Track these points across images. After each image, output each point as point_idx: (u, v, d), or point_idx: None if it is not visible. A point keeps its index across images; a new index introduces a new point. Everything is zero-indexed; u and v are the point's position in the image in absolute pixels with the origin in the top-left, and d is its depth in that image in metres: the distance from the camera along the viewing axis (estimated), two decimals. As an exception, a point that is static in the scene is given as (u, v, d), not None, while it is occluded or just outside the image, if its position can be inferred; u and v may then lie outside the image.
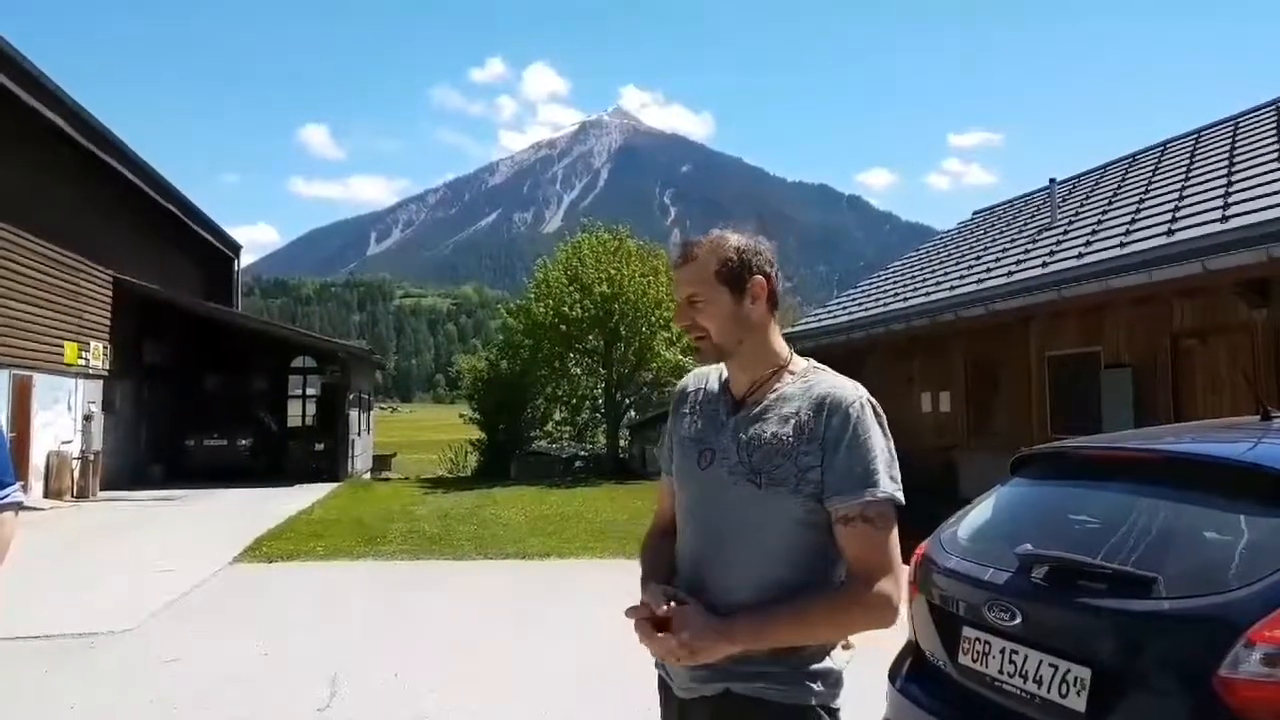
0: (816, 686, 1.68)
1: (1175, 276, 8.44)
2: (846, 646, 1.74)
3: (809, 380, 1.74)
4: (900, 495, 1.64)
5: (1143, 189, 12.26)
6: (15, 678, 5.16)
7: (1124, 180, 13.72)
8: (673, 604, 1.64)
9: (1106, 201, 12.85)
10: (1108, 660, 2.20)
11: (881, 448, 1.65)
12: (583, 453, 23.98)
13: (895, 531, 1.64)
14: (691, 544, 1.77)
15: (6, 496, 2.29)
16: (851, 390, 1.69)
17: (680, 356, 21.80)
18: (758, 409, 1.73)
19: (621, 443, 23.67)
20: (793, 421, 1.68)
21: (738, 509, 1.68)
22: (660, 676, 1.85)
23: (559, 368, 23.07)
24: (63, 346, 15.91)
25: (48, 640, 6.00)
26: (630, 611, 1.68)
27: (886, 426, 1.69)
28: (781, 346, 1.79)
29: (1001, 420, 11.86)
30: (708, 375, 1.90)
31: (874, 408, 1.69)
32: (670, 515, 1.92)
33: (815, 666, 1.68)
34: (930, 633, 2.82)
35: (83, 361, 16.66)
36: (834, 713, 1.71)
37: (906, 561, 3.16)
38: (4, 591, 6.99)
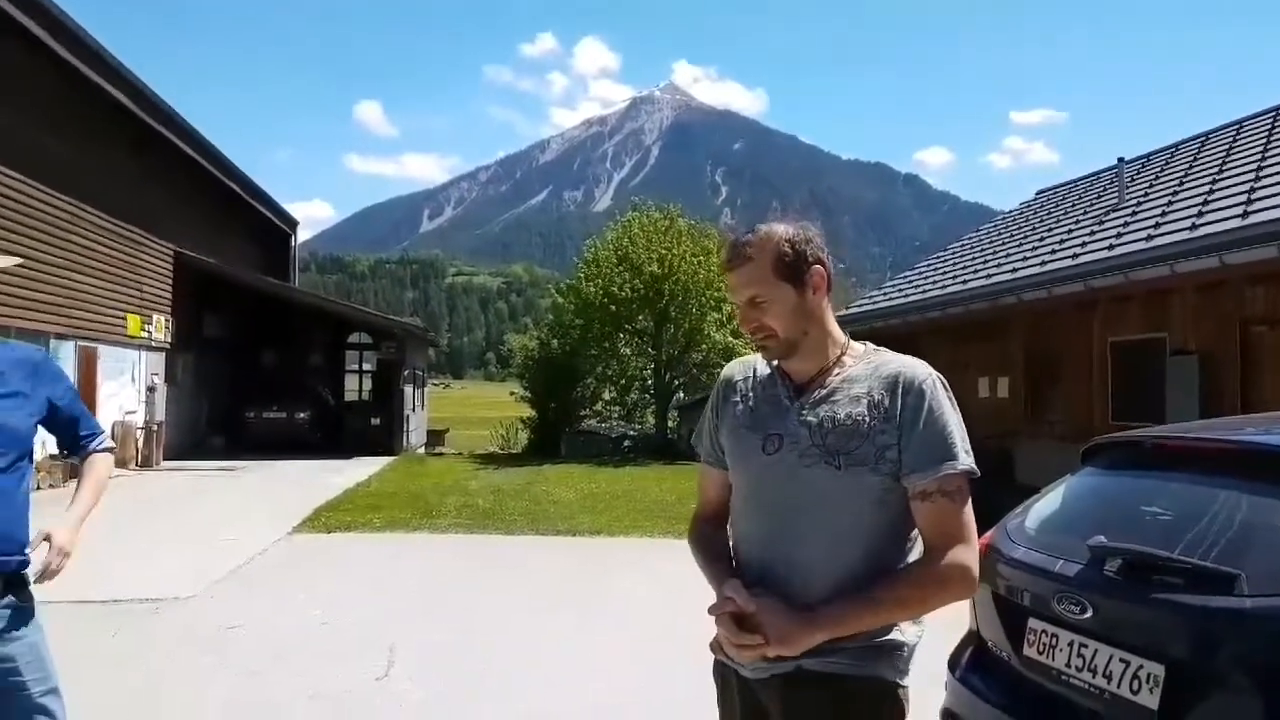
0: (888, 661, 1.69)
1: (1249, 260, 8.13)
2: (916, 621, 1.74)
3: (873, 361, 1.75)
4: (975, 467, 1.66)
5: (1216, 169, 11.82)
6: (86, 640, 5.34)
7: (1196, 160, 13.24)
8: (751, 600, 1.63)
9: (1177, 182, 12.41)
10: (1183, 658, 2.13)
11: (955, 422, 1.67)
12: (631, 432, 24.04)
13: (970, 503, 1.67)
14: (759, 530, 1.76)
15: (102, 441, 2.56)
16: (923, 368, 1.71)
17: (730, 339, 21.68)
18: (824, 392, 1.73)
19: (670, 423, 23.68)
20: (865, 401, 1.68)
21: (813, 492, 1.68)
22: (718, 660, 1.84)
23: (609, 348, 23.11)
24: (125, 319, 16.37)
25: (115, 604, 6.22)
26: (714, 609, 1.68)
27: (955, 402, 1.71)
28: (838, 330, 1.80)
29: (1061, 408, 11.59)
30: (754, 363, 1.90)
31: (944, 384, 1.71)
32: (716, 505, 1.93)
33: (887, 640, 1.68)
34: (994, 623, 2.77)
35: (145, 334, 17.13)
36: (904, 689, 1.71)
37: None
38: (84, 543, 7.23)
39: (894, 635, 1.70)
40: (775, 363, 1.84)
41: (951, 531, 1.64)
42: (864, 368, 1.74)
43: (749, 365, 1.91)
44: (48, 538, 2.19)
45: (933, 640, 3.27)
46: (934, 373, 1.72)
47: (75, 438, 2.51)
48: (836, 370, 1.76)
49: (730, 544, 1.86)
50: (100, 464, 2.54)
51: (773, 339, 1.74)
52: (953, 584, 1.63)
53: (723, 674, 1.87)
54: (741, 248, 1.74)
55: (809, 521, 1.68)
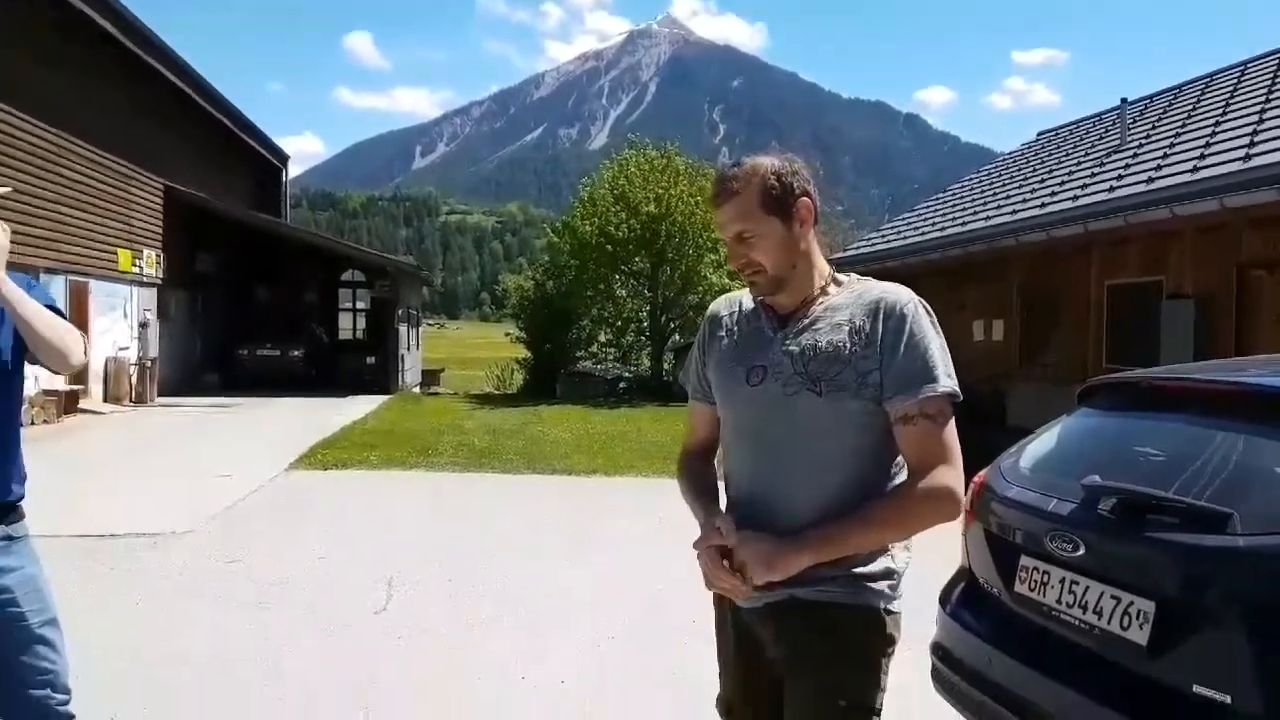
0: (879, 588, 1.71)
1: (1250, 204, 8.06)
2: (905, 548, 1.76)
3: (856, 289, 1.76)
4: (957, 389, 1.67)
5: (1220, 111, 11.66)
6: (82, 574, 5.37)
7: (1199, 102, 13.04)
8: (734, 532, 1.66)
9: (1180, 124, 12.25)
10: (1174, 595, 2.16)
11: (938, 346, 1.68)
12: (627, 374, 24.06)
13: (953, 424, 1.67)
14: (746, 461, 1.78)
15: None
16: (905, 293, 1.72)
17: (727, 280, 21.56)
18: (807, 321, 1.74)
19: (665, 365, 23.70)
20: (846, 328, 1.69)
21: (797, 420, 1.69)
22: (717, 592, 1.86)
23: (604, 289, 22.99)
24: (116, 254, 16.22)
25: (112, 539, 6.26)
26: (698, 543, 1.71)
27: (938, 325, 1.71)
28: (823, 262, 1.80)
29: (1055, 350, 11.61)
30: (739, 298, 1.91)
31: (925, 308, 1.72)
32: (705, 440, 1.95)
33: (877, 567, 1.71)
34: (985, 560, 2.80)
35: (136, 269, 17.00)
36: (895, 616, 1.74)
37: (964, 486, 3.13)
38: (60, 490, 7.28)
39: (884, 563, 1.72)
40: (758, 296, 1.84)
41: (934, 453, 1.64)
42: (846, 296, 1.75)
43: (734, 300, 1.92)
44: None
45: (924, 574, 3.32)
46: (916, 297, 1.72)
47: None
48: (820, 300, 1.76)
49: (719, 478, 1.89)
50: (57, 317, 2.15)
51: (761, 274, 1.73)
52: (937, 505, 1.64)
53: (718, 604, 1.91)
54: (728, 182, 1.73)
55: (794, 449, 1.69)
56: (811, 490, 1.68)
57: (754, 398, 1.73)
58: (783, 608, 1.71)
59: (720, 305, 1.94)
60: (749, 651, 1.83)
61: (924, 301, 1.73)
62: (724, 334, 1.86)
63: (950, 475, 1.64)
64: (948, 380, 1.66)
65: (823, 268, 1.79)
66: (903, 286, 1.75)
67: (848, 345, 1.67)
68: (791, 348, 1.72)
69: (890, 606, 1.73)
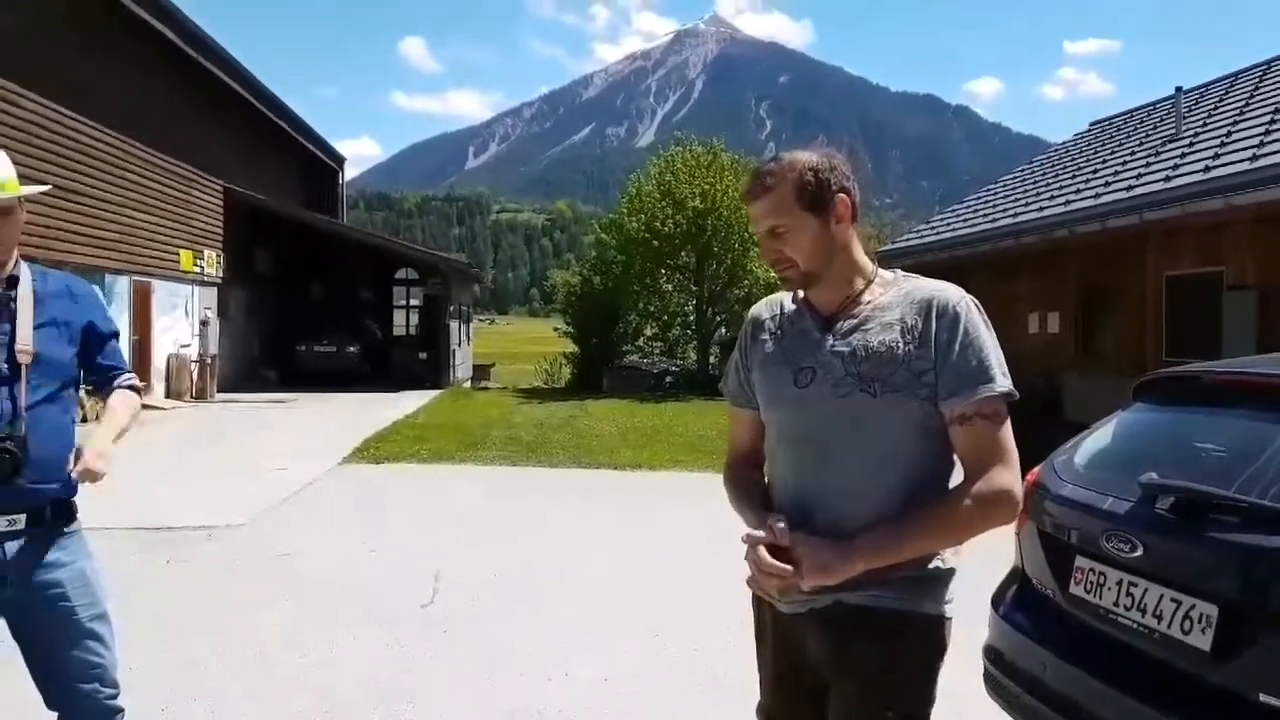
0: (930, 592, 1.67)
1: (1312, 192, 7.79)
2: (955, 551, 1.71)
3: (904, 287, 1.71)
4: (1013, 388, 1.63)
5: (1279, 98, 11.27)
6: (142, 565, 5.54)
7: (1257, 89, 12.61)
8: (789, 533, 1.61)
9: (1237, 112, 11.85)
10: (1237, 599, 2.07)
11: (991, 344, 1.64)
12: (673, 368, 24.02)
13: (1009, 424, 1.63)
14: (795, 465, 1.73)
15: (130, 379, 2.46)
16: (955, 291, 1.68)
17: (773, 274, 21.36)
18: (855, 321, 1.70)
19: (712, 359, 23.61)
20: (898, 327, 1.65)
21: (849, 420, 1.64)
22: (755, 595, 1.83)
23: (650, 284, 22.99)
24: (178, 254, 16.66)
25: (169, 531, 6.43)
26: (747, 537, 1.65)
27: (989, 322, 1.67)
28: (865, 259, 1.75)
29: (1113, 343, 11.31)
30: (780, 300, 1.87)
31: (977, 306, 1.67)
32: (749, 446, 1.90)
33: (928, 571, 1.66)
34: (1039, 561, 2.72)
35: (198, 269, 17.43)
36: (947, 621, 1.69)
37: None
38: (121, 484, 7.49)
39: (934, 565, 1.67)
40: (801, 295, 1.80)
41: (991, 454, 1.61)
42: (895, 294, 1.71)
43: (775, 303, 1.88)
44: (78, 452, 2.18)
45: (976, 576, 3.24)
46: (967, 295, 1.68)
47: (104, 371, 2.41)
48: (866, 298, 1.72)
49: (766, 484, 1.84)
50: (130, 394, 2.43)
51: (792, 269, 1.70)
52: (995, 508, 1.60)
53: (759, 610, 1.87)
54: (762, 178, 1.70)
55: (847, 451, 1.65)
56: (866, 493, 1.64)
57: (803, 400, 1.69)
58: (829, 613, 1.66)
59: (761, 308, 1.90)
60: (791, 658, 1.78)
61: (975, 299, 1.68)
62: (767, 336, 1.82)
63: (1008, 476, 1.60)
64: (1004, 380, 1.62)
65: (865, 265, 1.74)
66: (952, 284, 1.70)
67: (900, 345, 1.63)
68: (841, 348, 1.67)
69: (943, 611, 1.68)
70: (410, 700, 3.61)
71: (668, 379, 22.66)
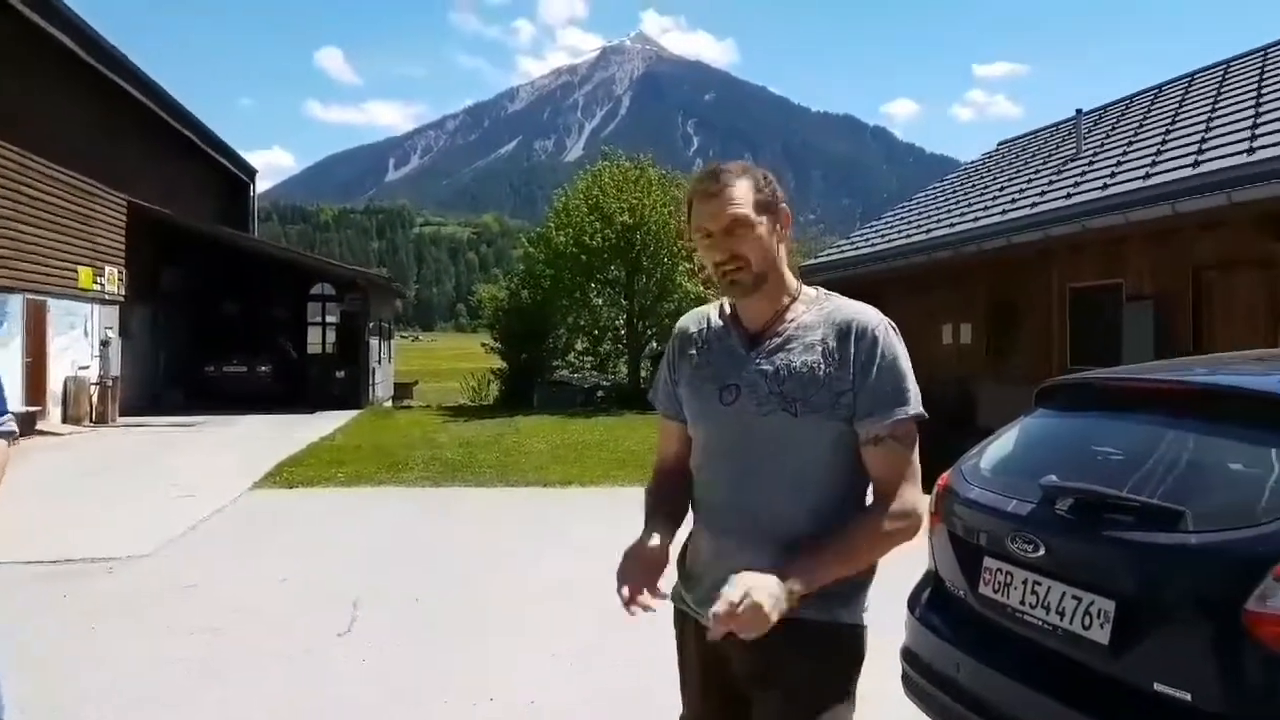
0: (848, 603, 1.71)
1: (1199, 209, 8.28)
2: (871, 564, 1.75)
3: (826, 307, 1.75)
4: (923, 411, 1.69)
5: (1169, 120, 11.95)
6: (35, 600, 5.24)
7: (1150, 111, 13.36)
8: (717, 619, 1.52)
9: (1132, 133, 12.51)
10: (1132, 593, 2.16)
11: (906, 368, 1.69)
12: (604, 383, 23.99)
13: (917, 446, 1.70)
14: (721, 478, 1.75)
15: (4, 424, 2.30)
16: (874, 314, 1.72)
17: (702, 289, 21.58)
18: (779, 339, 1.73)
19: (643, 373, 23.67)
20: (819, 349, 1.69)
21: (771, 439, 1.68)
22: (677, 609, 1.85)
23: (580, 298, 22.96)
24: (76, 271, 15.95)
25: (67, 564, 6.10)
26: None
27: (904, 347, 1.72)
28: (792, 276, 1.79)
29: (1021, 353, 11.74)
30: (707, 314, 1.88)
31: (894, 329, 1.72)
32: (675, 458, 1.91)
33: (846, 582, 1.68)
34: (951, 563, 2.79)
35: (98, 286, 16.71)
36: (863, 630, 1.73)
37: (927, 490, 3.12)
38: (14, 515, 7.10)
39: (853, 578, 1.70)
40: (728, 312, 1.82)
41: (900, 474, 1.67)
42: (817, 314, 1.74)
43: (703, 317, 1.89)
44: None
45: (894, 580, 3.29)
46: (885, 319, 1.73)
47: None
48: (790, 317, 1.75)
49: (691, 495, 1.85)
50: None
51: (745, 270, 1.69)
52: (906, 526, 1.67)
53: (681, 623, 1.87)
54: (723, 175, 1.71)
55: (769, 468, 1.68)
56: (787, 506, 1.68)
57: (728, 416, 1.72)
58: None
59: (689, 321, 1.90)
60: (713, 670, 1.79)
61: (892, 323, 1.74)
62: (694, 351, 1.83)
63: (916, 494, 1.68)
64: (917, 404, 1.68)
65: (792, 281, 1.78)
66: (871, 307, 1.75)
67: (821, 366, 1.67)
68: (765, 367, 1.70)
69: (860, 620, 1.72)
70: (324, 729, 3.49)
71: (599, 394, 22.63)
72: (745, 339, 1.76)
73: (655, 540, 1.74)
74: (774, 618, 1.52)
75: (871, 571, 1.74)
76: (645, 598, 1.66)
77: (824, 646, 1.67)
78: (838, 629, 1.68)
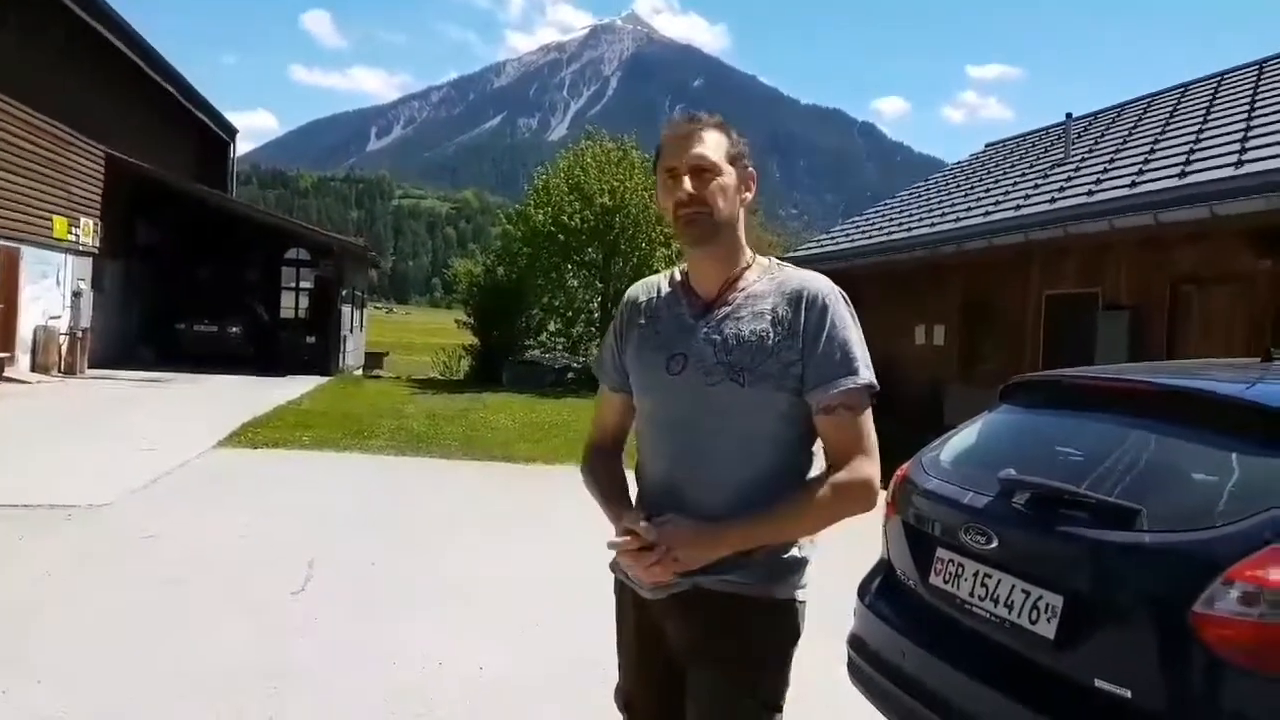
0: (786, 578, 1.68)
1: (1182, 220, 8.30)
2: (811, 539, 1.73)
3: (776, 277, 1.73)
4: (875, 381, 1.66)
5: (1159, 130, 12.00)
6: (-9, 543, 5.18)
7: (1141, 120, 13.42)
8: (654, 523, 1.62)
9: (1121, 140, 12.58)
10: (1082, 590, 2.18)
11: (856, 337, 1.66)
12: (575, 364, 23.93)
13: (870, 415, 1.67)
14: (665, 450, 1.73)
15: None
16: (825, 282, 1.70)
17: (670, 269, 21.50)
18: (729, 309, 1.70)
19: (614, 357, 23.58)
20: (769, 317, 1.66)
21: (719, 409, 1.65)
22: (617, 580, 1.83)
23: (556, 278, 22.84)
24: (51, 220, 15.67)
25: (25, 509, 6.03)
26: (613, 544, 1.66)
27: (855, 316, 1.70)
28: (746, 245, 1.77)
29: (994, 357, 11.82)
30: (657, 283, 1.85)
31: (844, 298, 1.70)
32: (614, 431, 1.89)
33: (784, 557, 1.68)
34: (904, 552, 2.80)
35: (72, 237, 16.43)
36: (801, 606, 1.72)
37: (886, 484, 3.14)
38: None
39: (790, 554, 1.69)
40: (679, 279, 1.80)
41: (854, 444, 1.64)
42: (769, 283, 1.72)
43: (652, 285, 1.86)
44: None
45: (844, 567, 3.32)
46: (835, 287, 1.71)
47: None
48: (741, 285, 1.72)
49: (629, 470, 1.84)
50: None
51: (705, 214, 1.66)
52: (856, 496, 1.63)
53: (620, 594, 1.86)
54: (698, 119, 1.70)
55: (716, 439, 1.66)
56: (732, 479, 1.65)
57: (674, 386, 1.69)
58: (687, 598, 1.66)
59: (638, 290, 1.88)
60: (650, 642, 1.78)
61: (843, 292, 1.71)
62: (643, 319, 1.80)
63: (869, 466, 1.63)
64: (867, 372, 1.64)
65: (746, 247, 1.76)
66: (821, 275, 1.73)
67: (771, 335, 1.64)
68: (714, 336, 1.67)
69: (795, 596, 1.70)
70: (274, 688, 3.47)
71: (569, 375, 22.57)
72: (695, 307, 1.74)
73: (632, 521, 1.67)
74: (699, 549, 1.58)
75: (809, 546, 1.72)
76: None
77: (758, 621, 1.66)
78: (773, 604, 1.67)
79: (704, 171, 1.66)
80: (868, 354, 1.68)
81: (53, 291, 15.99)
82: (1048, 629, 2.19)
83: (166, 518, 6.13)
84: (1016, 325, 11.39)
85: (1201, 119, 11.34)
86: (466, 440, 10.90)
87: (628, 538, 1.62)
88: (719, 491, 1.64)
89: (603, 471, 1.86)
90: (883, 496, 3.10)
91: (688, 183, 1.65)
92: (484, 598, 4.82)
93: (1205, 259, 8.73)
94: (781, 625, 1.69)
